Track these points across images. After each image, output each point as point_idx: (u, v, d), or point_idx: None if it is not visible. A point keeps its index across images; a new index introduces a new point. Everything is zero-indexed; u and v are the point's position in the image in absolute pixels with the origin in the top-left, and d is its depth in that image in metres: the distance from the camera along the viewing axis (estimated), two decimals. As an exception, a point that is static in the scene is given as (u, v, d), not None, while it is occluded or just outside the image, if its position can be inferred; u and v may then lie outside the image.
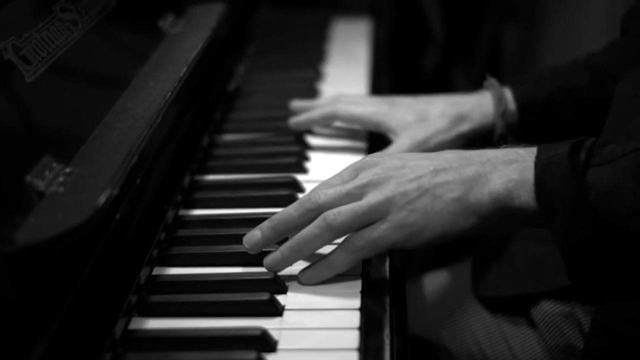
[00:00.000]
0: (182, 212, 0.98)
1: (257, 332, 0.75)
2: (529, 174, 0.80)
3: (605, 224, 0.76)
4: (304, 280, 0.83)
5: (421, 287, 1.14)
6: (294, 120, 1.14)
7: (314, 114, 1.13)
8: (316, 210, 0.82)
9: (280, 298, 0.82)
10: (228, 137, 1.18)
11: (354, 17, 1.66)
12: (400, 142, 1.06)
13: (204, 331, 0.77)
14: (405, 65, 2.18)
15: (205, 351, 0.75)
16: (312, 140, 1.15)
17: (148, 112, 0.87)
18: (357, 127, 1.13)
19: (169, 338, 0.77)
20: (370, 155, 0.87)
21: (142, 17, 1.13)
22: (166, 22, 1.15)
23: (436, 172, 0.82)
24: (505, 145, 0.85)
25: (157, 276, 0.86)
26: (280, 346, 0.75)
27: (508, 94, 1.10)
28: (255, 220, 0.94)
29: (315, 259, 0.84)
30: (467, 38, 2.27)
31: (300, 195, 1.01)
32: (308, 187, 1.03)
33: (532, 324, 1.02)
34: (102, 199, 0.71)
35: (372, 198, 0.81)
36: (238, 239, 0.91)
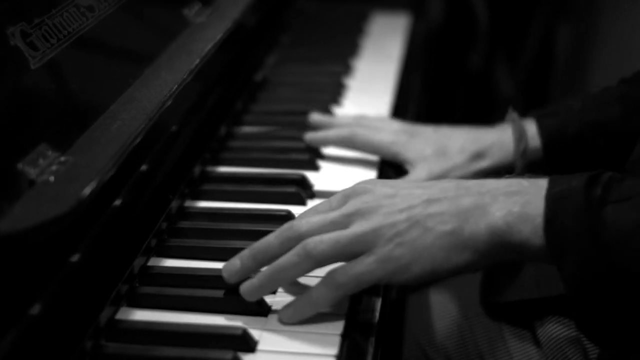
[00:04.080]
0: (188, 203, 0.99)
1: (238, 332, 0.76)
2: (532, 208, 0.74)
3: (620, 268, 0.69)
4: (285, 319, 0.78)
5: (427, 296, 1.12)
6: (309, 136, 1.11)
7: (331, 134, 1.11)
8: (297, 239, 0.77)
9: (268, 298, 0.81)
10: (246, 128, 1.18)
11: (394, 11, 1.64)
12: (417, 173, 1.04)
13: (186, 327, 0.78)
14: (450, 62, 2.16)
15: (185, 347, 0.75)
16: (329, 138, 1.15)
17: (152, 104, 0.87)
18: (373, 155, 1.10)
19: (152, 331, 0.77)
20: (363, 181, 0.82)
21: (166, 5, 1.13)
22: (192, 11, 1.15)
23: (429, 202, 0.77)
24: (508, 176, 0.80)
25: (151, 267, 0.87)
26: (260, 347, 0.76)
27: (531, 127, 1.06)
28: (257, 217, 0.95)
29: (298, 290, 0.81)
30: (515, 36, 2.24)
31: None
32: (317, 185, 1.03)
33: (537, 343, 1.00)
34: (87, 191, 0.71)
35: (358, 228, 0.76)
36: (238, 234, 0.92)
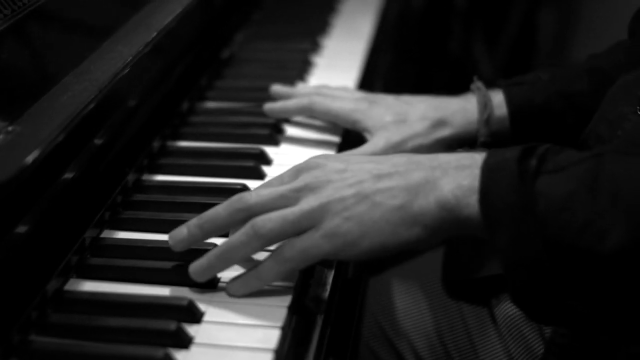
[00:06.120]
0: (145, 176, 0.99)
1: (184, 303, 0.76)
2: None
3: (552, 240, 0.68)
4: (232, 292, 0.78)
5: (388, 276, 1.12)
6: (268, 107, 1.10)
7: (290, 104, 1.09)
8: (245, 211, 0.77)
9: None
10: (209, 104, 1.18)
11: (369, -10, 1.64)
12: (375, 141, 1.01)
13: (132, 297, 0.78)
14: (430, 44, 2.16)
15: (129, 317, 0.75)
16: (292, 114, 1.15)
17: (104, 76, 0.87)
18: (333, 123, 1.08)
19: (97, 301, 0.78)
20: (316, 156, 0.81)
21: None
22: (155, -15, 1.14)
23: (379, 177, 0.76)
24: (461, 150, 0.80)
25: (103, 239, 0.87)
26: (206, 318, 0.76)
27: (497, 97, 1.04)
28: (213, 190, 0.95)
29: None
30: (494, 18, 2.23)
31: (266, 168, 1.01)
32: (276, 160, 1.03)
33: (495, 321, 1.00)
34: (29, 159, 0.71)
35: (305, 204, 0.75)
36: (193, 207, 0.91)
